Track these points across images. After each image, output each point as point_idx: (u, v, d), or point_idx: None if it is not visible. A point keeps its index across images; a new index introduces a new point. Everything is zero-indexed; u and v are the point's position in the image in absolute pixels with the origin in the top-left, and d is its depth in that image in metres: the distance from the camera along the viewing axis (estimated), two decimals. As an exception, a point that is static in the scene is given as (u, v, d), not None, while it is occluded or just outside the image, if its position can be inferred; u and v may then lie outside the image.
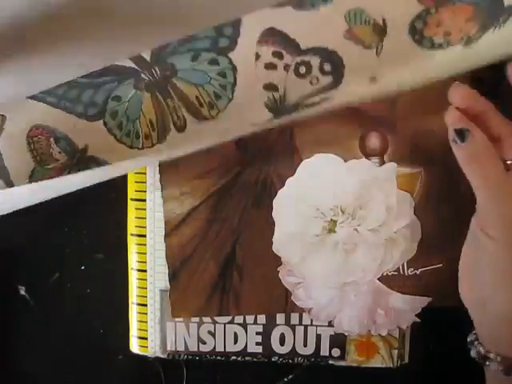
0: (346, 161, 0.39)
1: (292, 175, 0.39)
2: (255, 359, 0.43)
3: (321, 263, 0.39)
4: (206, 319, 0.42)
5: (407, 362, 0.42)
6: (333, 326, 0.41)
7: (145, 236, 0.41)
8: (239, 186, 0.40)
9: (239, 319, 0.42)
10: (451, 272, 0.39)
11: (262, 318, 0.42)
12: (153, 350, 0.43)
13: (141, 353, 0.43)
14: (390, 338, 0.42)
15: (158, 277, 0.42)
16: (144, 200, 0.41)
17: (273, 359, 0.43)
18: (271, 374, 0.44)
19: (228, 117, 0.34)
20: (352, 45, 0.33)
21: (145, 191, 0.41)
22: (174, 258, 0.41)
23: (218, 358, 0.43)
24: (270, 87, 0.34)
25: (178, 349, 0.43)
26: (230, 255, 0.41)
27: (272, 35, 0.34)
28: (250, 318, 0.42)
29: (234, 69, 0.33)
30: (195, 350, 0.43)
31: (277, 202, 0.40)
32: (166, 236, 0.41)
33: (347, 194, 0.38)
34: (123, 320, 0.43)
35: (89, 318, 0.45)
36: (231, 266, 0.41)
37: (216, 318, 0.42)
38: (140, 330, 0.43)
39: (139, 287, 0.42)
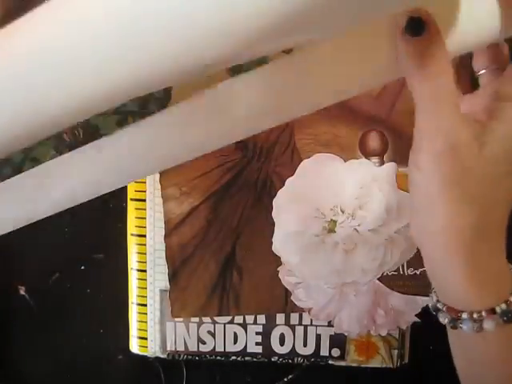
0: (345, 161, 0.39)
1: (292, 175, 0.39)
2: (255, 359, 0.43)
3: (321, 263, 0.39)
4: (206, 319, 0.42)
5: (407, 362, 0.42)
6: (333, 325, 0.41)
7: (145, 236, 0.41)
8: (239, 185, 0.40)
9: (239, 319, 0.42)
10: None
11: (261, 318, 0.42)
12: (153, 349, 0.43)
13: (141, 353, 0.43)
14: (390, 338, 0.42)
15: (158, 277, 0.42)
16: (144, 200, 0.41)
17: (273, 359, 0.43)
18: (271, 374, 0.44)
19: None
20: None
21: (145, 191, 0.41)
22: (174, 258, 0.41)
23: (218, 358, 0.43)
24: None
25: (177, 349, 0.43)
26: (229, 255, 0.41)
27: None
28: (249, 318, 0.42)
29: None
30: (195, 350, 0.43)
31: (277, 202, 0.40)
32: (166, 236, 0.41)
33: (347, 194, 0.38)
34: (123, 320, 0.43)
35: (89, 318, 0.45)
36: (231, 266, 0.41)
37: (216, 318, 0.42)
38: (140, 330, 0.43)
39: (139, 287, 0.42)
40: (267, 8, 0.15)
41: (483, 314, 0.25)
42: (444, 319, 0.26)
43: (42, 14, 0.16)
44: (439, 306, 0.26)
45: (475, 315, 0.25)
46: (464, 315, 0.25)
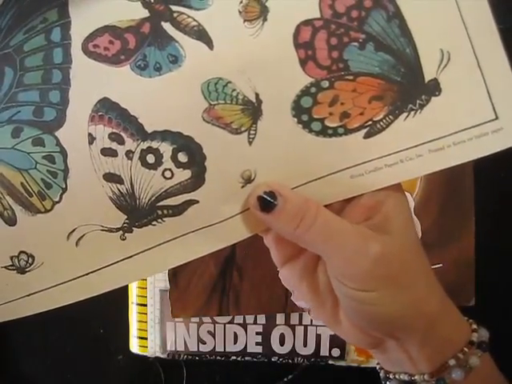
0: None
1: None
2: (255, 359, 0.43)
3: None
4: (206, 319, 0.42)
5: (407, 362, 0.42)
6: (333, 326, 0.41)
7: (145, 236, 0.41)
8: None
9: (239, 319, 0.42)
10: (451, 272, 0.39)
11: (261, 318, 0.42)
12: (153, 349, 0.43)
13: (141, 353, 0.43)
14: (390, 338, 0.42)
15: (158, 277, 0.42)
16: (144, 200, 0.41)
17: (273, 359, 0.43)
18: (271, 374, 0.44)
19: (68, 211, 0.26)
20: (214, 129, 0.25)
21: (145, 191, 0.41)
22: (174, 258, 0.41)
23: (218, 358, 0.43)
24: (112, 178, 0.25)
25: (177, 349, 0.43)
26: (229, 255, 0.41)
27: (107, 110, 0.24)
28: (249, 318, 0.42)
29: (64, 153, 0.25)
30: (195, 350, 0.43)
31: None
32: (166, 236, 0.41)
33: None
34: (123, 320, 0.43)
35: (89, 318, 0.45)
36: (231, 266, 0.41)
37: (216, 318, 0.42)
38: (140, 330, 0.43)
39: (139, 287, 0.42)
40: None
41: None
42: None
43: None
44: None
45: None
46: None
